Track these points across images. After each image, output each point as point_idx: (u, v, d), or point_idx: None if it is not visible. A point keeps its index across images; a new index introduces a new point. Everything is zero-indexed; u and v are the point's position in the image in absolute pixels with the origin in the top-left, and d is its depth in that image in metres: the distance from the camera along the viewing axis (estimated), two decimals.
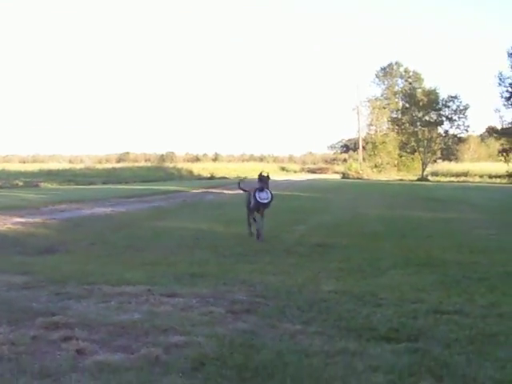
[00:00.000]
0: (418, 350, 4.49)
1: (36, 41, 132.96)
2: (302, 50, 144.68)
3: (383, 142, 71.92)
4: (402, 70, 73.73)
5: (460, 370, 4.11)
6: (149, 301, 6.02)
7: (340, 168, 75.49)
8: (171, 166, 67.23)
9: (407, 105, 67.50)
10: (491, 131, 48.45)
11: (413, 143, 66.82)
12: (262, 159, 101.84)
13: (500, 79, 46.09)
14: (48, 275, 7.44)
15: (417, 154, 66.97)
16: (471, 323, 5.27)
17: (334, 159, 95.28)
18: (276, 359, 4.26)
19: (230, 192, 29.25)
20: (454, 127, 64.19)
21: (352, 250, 9.93)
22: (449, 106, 63.67)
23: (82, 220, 15.03)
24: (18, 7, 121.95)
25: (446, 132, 65.28)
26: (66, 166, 60.86)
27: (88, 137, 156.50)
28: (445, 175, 64.67)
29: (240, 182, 13.36)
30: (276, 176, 51.34)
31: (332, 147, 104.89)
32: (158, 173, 55.09)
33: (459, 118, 63.32)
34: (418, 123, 65.12)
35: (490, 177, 60.17)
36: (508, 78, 45.80)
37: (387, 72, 74.49)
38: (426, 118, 64.75)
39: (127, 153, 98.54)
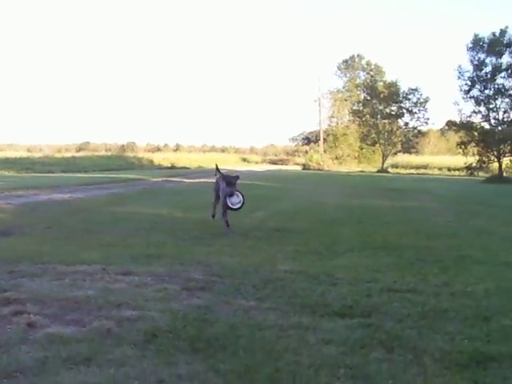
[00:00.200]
0: (370, 325, 4.57)
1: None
2: (263, 42, 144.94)
3: (344, 134, 72.69)
4: (363, 62, 74.69)
5: (411, 342, 4.20)
6: (103, 279, 5.99)
7: (301, 160, 76.00)
8: (132, 155, 66.55)
9: (368, 97, 68.31)
10: (451, 124, 49.02)
11: (373, 135, 67.73)
12: (223, 150, 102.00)
13: (459, 72, 46.66)
14: (1, 256, 7.31)
15: (377, 146, 67.86)
16: (424, 300, 5.38)
17: (296, 151, 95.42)
18: (229, 332, 4.28)
19: (190, 181, 29.26)
20: (414, 119, 65.43)
21: (310, 235, 9.98)
22: (409, 99, 64.74)
23: (39, 205, 14.76)
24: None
25: (407, 124, 66.29)
26: (23, 154, 59.56)
27: (47, 126, 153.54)
28: (405, 167, 65.72)
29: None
30: (237, 167, 51.58)
31: (293, 139, 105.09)
32: (119, 162, 54.44)
33: (419, 110, 64.58)
34: (379, 115, 66.09)
35: (449, 169, 61.34)
36: (467, 71, 46.41)
37: (349, 64, 75.27)
38: (387, 110, 65.71)
39: (87, 142, 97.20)
